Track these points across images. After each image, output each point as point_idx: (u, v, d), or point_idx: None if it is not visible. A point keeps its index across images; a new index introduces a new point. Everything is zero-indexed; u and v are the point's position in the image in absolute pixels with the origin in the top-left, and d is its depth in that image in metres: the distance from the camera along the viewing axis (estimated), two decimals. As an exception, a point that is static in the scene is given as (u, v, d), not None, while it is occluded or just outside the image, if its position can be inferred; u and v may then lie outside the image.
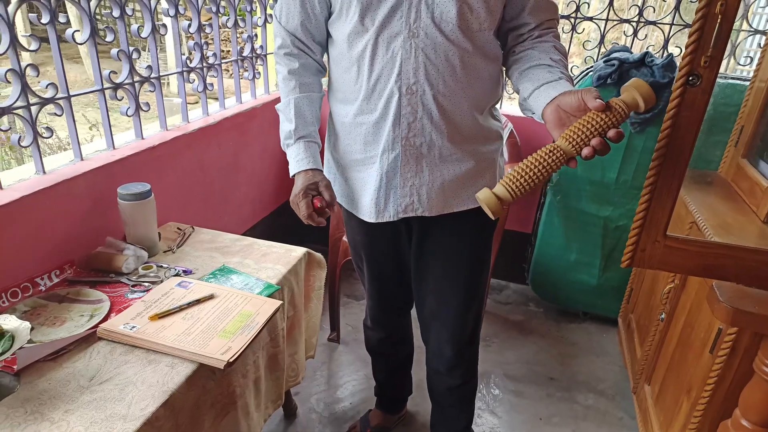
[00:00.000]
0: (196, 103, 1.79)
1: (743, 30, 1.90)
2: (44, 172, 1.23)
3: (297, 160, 1.09)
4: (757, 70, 1.53)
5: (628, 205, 1.87)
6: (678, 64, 0.99)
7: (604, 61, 1.77)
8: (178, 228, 1.50)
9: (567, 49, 1.65)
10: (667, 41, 1.91)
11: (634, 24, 1.92)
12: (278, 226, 2.23)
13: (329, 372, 1.81)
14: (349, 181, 1.15)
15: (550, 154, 0.81)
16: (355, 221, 1.22)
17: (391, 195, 1.09)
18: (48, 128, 1.21)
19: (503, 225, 1.84)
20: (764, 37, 1.61)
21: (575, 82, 1.87)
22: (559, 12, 1.36)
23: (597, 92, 0.81)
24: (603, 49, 1.99)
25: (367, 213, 1.12)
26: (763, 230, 1.28)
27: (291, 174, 1.10)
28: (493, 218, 0.86)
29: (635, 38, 1.94)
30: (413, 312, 1.41)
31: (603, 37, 1.97)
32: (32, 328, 1.01)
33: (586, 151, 0.79)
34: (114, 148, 1.42)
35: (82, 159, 1.33)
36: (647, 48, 2.08)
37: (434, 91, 0.99)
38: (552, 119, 0.87)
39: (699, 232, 1.30)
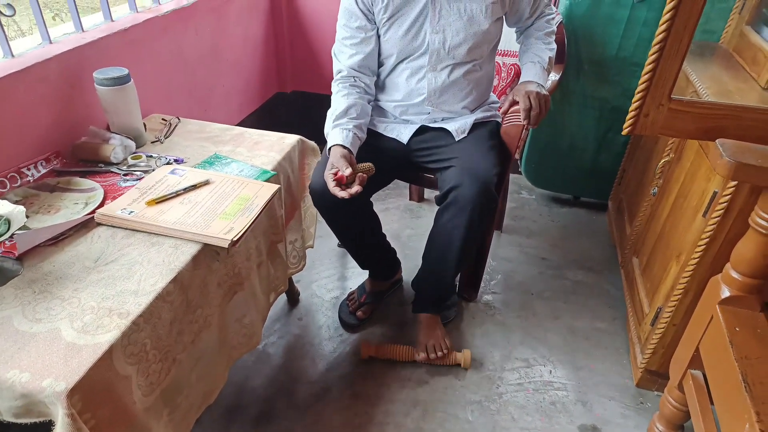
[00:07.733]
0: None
1: None
2: (12, 56, 1.14)
3: None
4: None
5: (625, 84, 1.82)
6: None
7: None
8: (163, 119, 1.44)
9: None
10: None
11: None
12: (268, 120, 2.16)
13: (329, 262, 1.85)
14: None
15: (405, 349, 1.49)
16: None
17: None
18: (9, 5, 1.10)
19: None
20: None
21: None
22: None
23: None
24: None
25: None
26: (763, 96, 1.26)
27: None
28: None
29: None
30: None
31: None
32: (27, 216, 0.99)
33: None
34: (83, 30, 1.31)
35: (50, 42, 1.23)
36: None
37: None
38: None
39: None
